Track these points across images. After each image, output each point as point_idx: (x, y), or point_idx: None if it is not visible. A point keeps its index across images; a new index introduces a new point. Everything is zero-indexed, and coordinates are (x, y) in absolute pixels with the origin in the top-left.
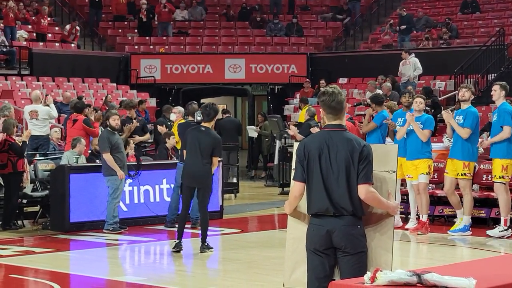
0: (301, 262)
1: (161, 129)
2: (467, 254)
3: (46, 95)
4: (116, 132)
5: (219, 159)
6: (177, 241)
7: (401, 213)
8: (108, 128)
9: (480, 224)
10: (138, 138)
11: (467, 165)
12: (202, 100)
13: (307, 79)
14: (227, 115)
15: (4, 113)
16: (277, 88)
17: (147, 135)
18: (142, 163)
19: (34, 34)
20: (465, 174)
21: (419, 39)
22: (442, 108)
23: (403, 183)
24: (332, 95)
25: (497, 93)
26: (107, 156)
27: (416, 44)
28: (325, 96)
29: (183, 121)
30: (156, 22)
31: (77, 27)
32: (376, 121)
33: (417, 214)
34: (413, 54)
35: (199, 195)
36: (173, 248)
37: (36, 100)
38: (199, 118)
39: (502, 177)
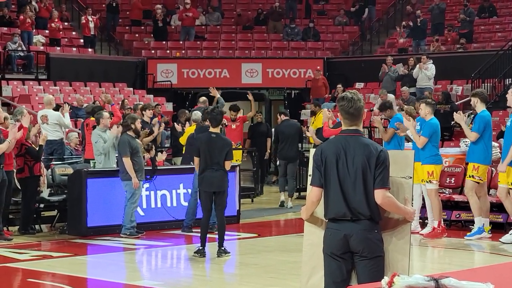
0: (318, 267)
1: (178, 127)
2: (485, 259)
3: (65, 103)
4: (136, 137)
5: (232, 163)
6: (201, 247)
7: (420, 218)
8: (128, 132)
9: (498, 229)
10: (146, 140)
11: (476, 167)
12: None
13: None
14: (286, 118)
15: (17, 117)
16: (293, 92)
17: (150, 137)
18: (159, 167)
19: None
20: (472, 176)
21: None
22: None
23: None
24: (351, 102)
25: (509, 97)
26: (127, 161)
27: (431, 49)
28: (344, 101)
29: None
30: (173, 26)
31: (92, 17)
32: (393, 125)
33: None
34: (431, 60)
35: (216, 200)
36: (195, 252)
37: (47, 104)
38: None
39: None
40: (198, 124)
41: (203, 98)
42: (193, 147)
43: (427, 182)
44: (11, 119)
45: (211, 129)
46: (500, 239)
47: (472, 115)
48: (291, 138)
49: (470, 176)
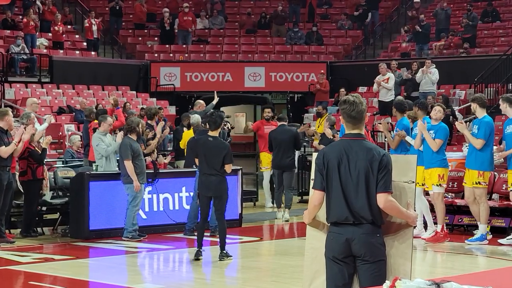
0: (320, 271)
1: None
2: (486, 264)
3: (49, 115)
4: (137, 140)
5: (234, 167)
6: (197, 249)
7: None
8: (130, 136)
9: (499, 234)
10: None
11: (481, 174)
12: (222, 109)
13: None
14: (281, 123)
15: (23, 120)
16: (296, 96)
17: (155, 141)
18: (161, 171)
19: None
20: (479, 183)
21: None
22: (459, 117)
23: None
24: (353, 105)
25: (502, 106)
26: (129, 164)
27: (434, 53)
28: (346, 105)
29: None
30: (176, 30)
31: (95, 20)
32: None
33: (435, 223)
34: (434, 64)
35: (215, 204)
36: (194, 256)
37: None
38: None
39: None
40: (195, 127)
41: (199, 102)
42: (193, 150)
43: (436, 185)
44: (16, 121)
45: (210, 133)
46: (502, 243)
47: (470, 121)
48: (285, 145)
49: (477, 183)
